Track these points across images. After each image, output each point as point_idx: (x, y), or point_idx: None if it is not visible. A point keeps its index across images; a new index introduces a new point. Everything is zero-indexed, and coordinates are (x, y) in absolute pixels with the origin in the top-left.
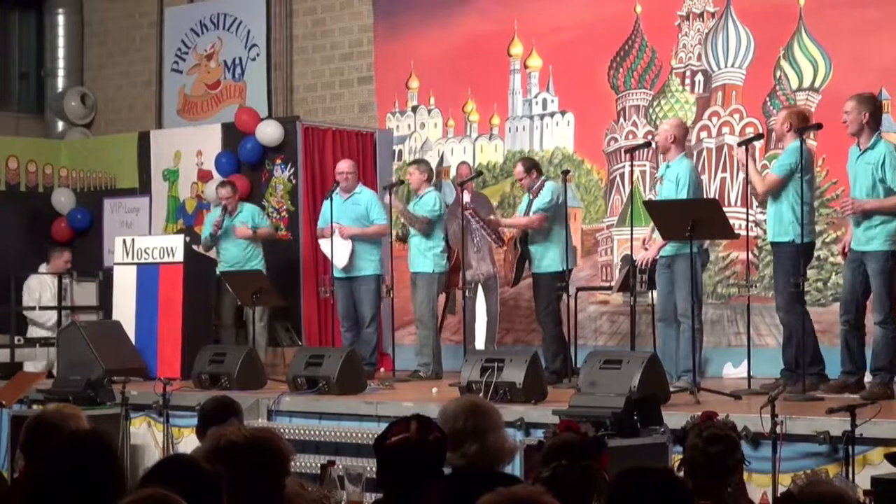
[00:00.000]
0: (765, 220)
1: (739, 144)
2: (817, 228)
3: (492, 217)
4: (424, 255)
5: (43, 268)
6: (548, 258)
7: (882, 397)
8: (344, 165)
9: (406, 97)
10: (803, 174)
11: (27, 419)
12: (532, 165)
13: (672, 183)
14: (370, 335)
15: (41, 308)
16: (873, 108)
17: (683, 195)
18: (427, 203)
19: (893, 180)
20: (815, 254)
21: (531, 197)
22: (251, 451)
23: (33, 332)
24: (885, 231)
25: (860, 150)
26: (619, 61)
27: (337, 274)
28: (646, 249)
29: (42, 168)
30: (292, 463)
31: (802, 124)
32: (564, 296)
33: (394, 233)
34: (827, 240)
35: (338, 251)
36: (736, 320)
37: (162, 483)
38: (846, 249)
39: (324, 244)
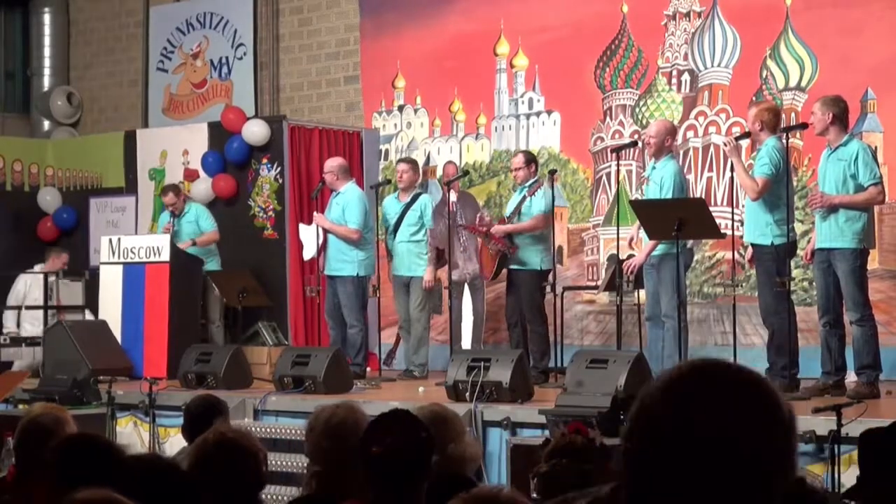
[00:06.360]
0: None
1: (726, 144)
2: (803, 228)
3: (485, 219)
4: (420, 258)
5: (38, 267)
6: (534, 258)
7: (867, 396)
8: (326, 164)
9: (392, 96)
10: (784, 174)
11: (22, 420)
12: (532, 159)
13: (657, 185)
14: (353, 336)
15: (27, 308)
16: (837, 109)
17: (668, 198)
18: (423, 210)
19: (865, 177)
20: (800, 253)
21: (527, 194)
22: (224, 452)
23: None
24: (852, 229)
25: (831, 149)
26: (605, 61)
27: (326, 272)
28: (632, 248)
29: (28, 167)
30: (274, 462)
31: (775, 121)
32: (550, 295)
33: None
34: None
35: (307, 241)
36: (722, 320)
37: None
38: (810, 254)
39: (302, 229)
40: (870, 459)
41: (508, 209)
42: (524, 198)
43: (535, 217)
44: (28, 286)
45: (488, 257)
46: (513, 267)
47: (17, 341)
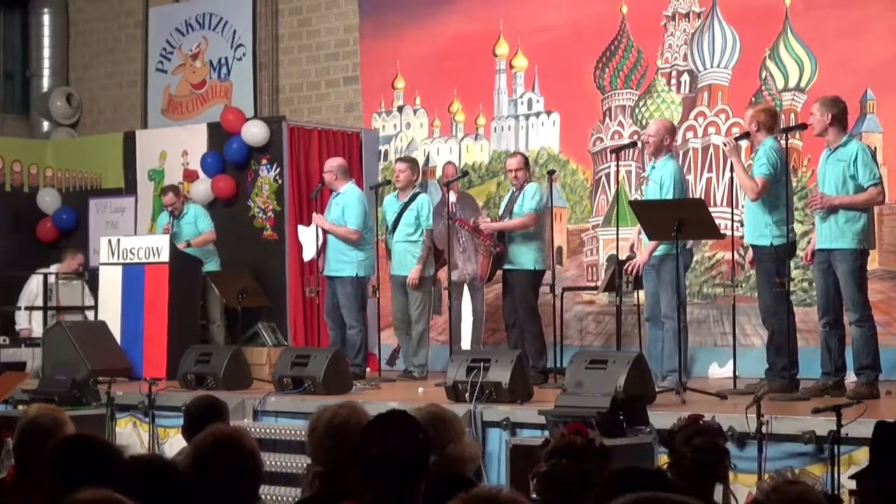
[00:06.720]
0: None
1: (725, 144)
2: (803, 228)
3: (485, 219)
4: (416, 258)
5: (54, 267)
6: (525, 257)
7: (867, 397)
8: (326, 164)
9: (392, 97)
10: (782, 175)
11: (21, 420)
12: (528, 162)
13: (656, 185)
14: (353, 337)
15: (27, 308)
16: (836, 109)
17: (668, 198)
18: (420, 209)
19: (864, 177)
20: (800, 253)
21: (515, 192)
22: (222, 451)
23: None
24: (852, 229)
25: (830, 149)
26: (604, 61)
27: (325, 272)
28: (632, 252)
29: (27, 168)
30: (274, 462)
31: (771, 121)
32: (549, 296)
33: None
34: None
35: (306, 242)
36: (722, 320)
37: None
38: (810, 255)
39: (301, 231)
40: (880, 450)
41: (501, 209)
42: (513, 196)
43: (525, 215)
44: (40, 286)
45: (484, 259)
46: (506, 267)
47: (16, 342)
